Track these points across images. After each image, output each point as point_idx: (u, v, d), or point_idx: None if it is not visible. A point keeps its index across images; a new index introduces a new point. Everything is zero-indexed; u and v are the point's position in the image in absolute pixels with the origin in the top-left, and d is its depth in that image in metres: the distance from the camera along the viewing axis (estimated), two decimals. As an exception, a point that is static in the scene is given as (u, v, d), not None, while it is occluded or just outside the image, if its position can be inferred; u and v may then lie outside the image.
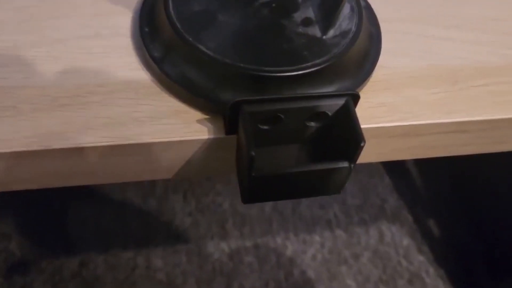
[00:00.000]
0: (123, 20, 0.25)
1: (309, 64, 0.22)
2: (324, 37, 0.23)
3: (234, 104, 0.20)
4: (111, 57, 0.24)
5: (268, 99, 0.20)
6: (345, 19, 0.24)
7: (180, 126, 0.22)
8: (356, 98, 0.21)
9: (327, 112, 0.21)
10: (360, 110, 0.23)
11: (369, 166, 0.79)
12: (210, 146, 0.22)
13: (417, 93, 0.24)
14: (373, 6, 0.26)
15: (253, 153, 0.19)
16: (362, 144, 0.20)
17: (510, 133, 0.25)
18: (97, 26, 0.25)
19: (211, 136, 0.22)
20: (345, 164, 0.20)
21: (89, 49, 0.24)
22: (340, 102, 0.21)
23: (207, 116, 0.22)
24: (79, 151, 0.21)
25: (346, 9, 0.24)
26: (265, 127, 0.21)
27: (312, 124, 0.22)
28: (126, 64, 0.24)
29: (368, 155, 0.25)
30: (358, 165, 0.24)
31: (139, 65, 0.24)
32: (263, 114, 0.20)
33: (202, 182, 0.69)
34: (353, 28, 0.23)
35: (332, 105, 0.21)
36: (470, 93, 0.25)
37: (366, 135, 0.23)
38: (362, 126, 0.23)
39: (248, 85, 0.21)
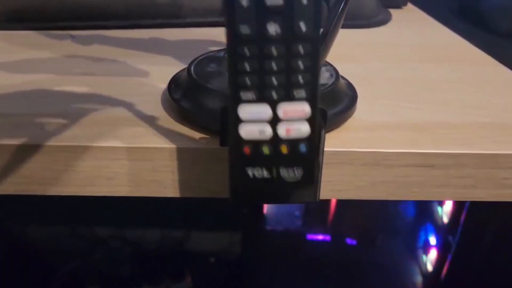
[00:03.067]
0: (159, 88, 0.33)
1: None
2: (305, 86, 0.29)
3: (225, 107, 0.26)
4: (146, 105, 0.31)
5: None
6: (323, 79, 0.30)
7: (185, 139, 0.27)
8: (324, 113, 0.26)
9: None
10: (336, 140, 0.28)
11: None
12: (208, 157, 0.27)
13: (387, 134, 0.29)
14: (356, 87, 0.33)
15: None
16: (322, 131, 0.24)
17: (476, 174, 0.28)
18: (141, 91, 0.33)
19: (209, 146, 0.27)
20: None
21: (133, 101, 0.32)
22: (310, 113, 0.26)
23: (209, 136, 0.28)
24: (100, 150, 0.27)
25: (325, 74, 0.31)
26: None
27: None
28: (154, 109, 0.31)
29: (347, 188, 0.29)
30: None
31: (163, 108, 0.31)
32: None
33: None
34: (329, 83, 0.30)
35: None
36: (434, 136, 0.29)
37: (340, 159, 0.28)
38: (335, 149, 0.27)
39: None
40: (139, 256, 1.08)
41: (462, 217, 0.76)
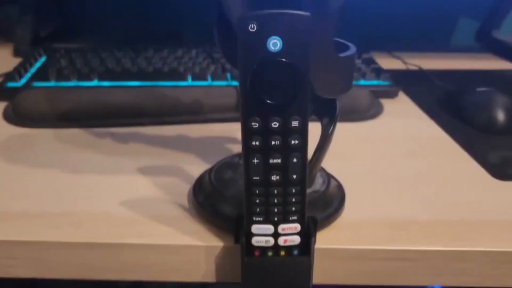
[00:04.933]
0: (184, 188, 0.41)
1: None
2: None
3: (239, 216, 0.33)
4: (173, 206, 0.39)
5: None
6: (317, 185, 0.38)
7: (206, 237, 0.35)
8: (315, 222, 0.33)
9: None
10: (324, 240, 0.35)
11: None
12: (224, 253, 0.34)
13: (369, 232, 0.36)
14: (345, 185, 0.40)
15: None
16: (312, 239, 0.31)
17: (441, 265, 0.35)
18: (172, 193, 0.41)
19: (226, 244, 0.34)
20: (305, 258, 0.32)
21: (161, 200, 0.39)
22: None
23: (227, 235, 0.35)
24: (123, 247, 0.34)
25: (319, 180, 0.38)
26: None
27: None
28: (181, 210, 0.38)
29: (336, 275, 0.36)
30: None
31: (189, 208, 0.38)
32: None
33: None
34: (322, 190, 0.37)
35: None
36: (407, 232, 0.36)
37: (330, 255, 0.35)
38: (322, 247, 0.35)
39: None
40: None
41: None
